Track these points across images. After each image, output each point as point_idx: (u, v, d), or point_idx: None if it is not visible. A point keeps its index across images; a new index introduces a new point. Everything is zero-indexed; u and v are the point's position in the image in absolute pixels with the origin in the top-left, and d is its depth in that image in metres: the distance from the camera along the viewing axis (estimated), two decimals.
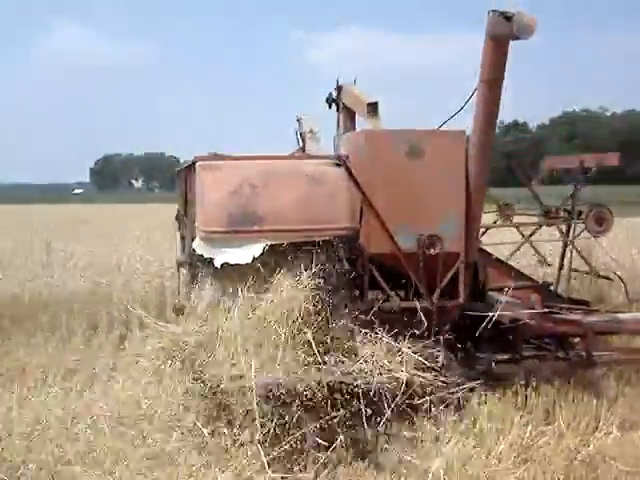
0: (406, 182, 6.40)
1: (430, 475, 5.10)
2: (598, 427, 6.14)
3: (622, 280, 8.05)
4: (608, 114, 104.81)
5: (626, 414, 6.50)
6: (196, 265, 6.07)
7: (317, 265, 5.75)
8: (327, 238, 5.89)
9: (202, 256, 5.66)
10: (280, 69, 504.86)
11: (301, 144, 8.23)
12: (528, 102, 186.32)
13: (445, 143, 6.78)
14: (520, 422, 5.95)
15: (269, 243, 5.69)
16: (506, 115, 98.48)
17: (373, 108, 7.78)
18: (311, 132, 8.22)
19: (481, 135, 6.73)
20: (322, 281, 5.71)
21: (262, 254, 5.64)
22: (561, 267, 8.33)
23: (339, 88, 8.44)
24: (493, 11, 6.29)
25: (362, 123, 7.94)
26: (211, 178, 5.85)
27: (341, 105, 8.40)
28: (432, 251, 6.41)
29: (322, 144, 8.33)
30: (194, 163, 6.12)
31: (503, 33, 6.19)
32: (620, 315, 7.48)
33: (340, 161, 6.26)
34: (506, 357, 7.03)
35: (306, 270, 5.70)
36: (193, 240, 6.05)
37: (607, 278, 8.25)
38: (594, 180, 8.22)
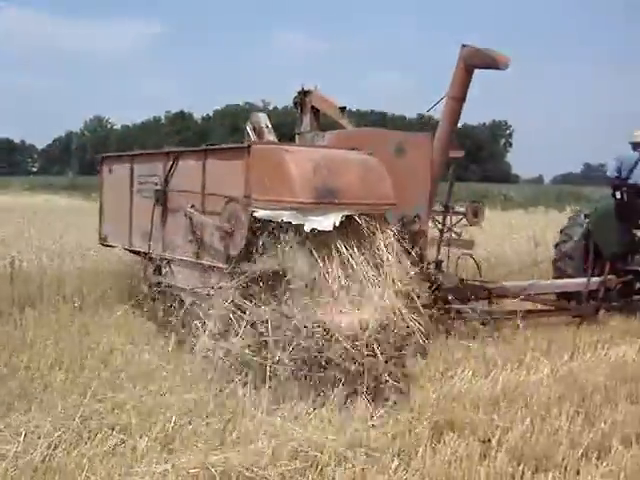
0: (393, 174, 7.22)
1: None
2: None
3: (475, 261, 9.81)
4: (270, 107, 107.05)
5: None
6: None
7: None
8: (382, 211, 7.07)
9: (289, 223, 6.43)
10: None
11: (254, 138, 8.76)
12: (193, 93, 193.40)
13: (419, 143, 8.69)
14: None
15: (346, 213, 6.62)
16: (172, 105, 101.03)
17: (343, 111, 9.73)
18: (267, 127, 8.90)
19: (445, 139, 8.85)
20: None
21: (341, 222, 6.51)
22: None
23: (305, 92, 9.85)
24: (465, 45, 8.56)
25: None
26: (292, 159, 6.74)
27: (309, 107, 9.73)
28: (414, 228, 8.12)
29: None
30: (249, 146, 7.10)
31: (482, 64, 8.52)
32: (505, 284, 9.79)
33: (369, 153, 7.37)
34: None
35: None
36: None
37: (472, 258, 9.83)
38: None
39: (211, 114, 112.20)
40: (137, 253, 9.48)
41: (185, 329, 7.31)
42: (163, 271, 8.46)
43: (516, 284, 9.93)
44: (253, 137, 8.82)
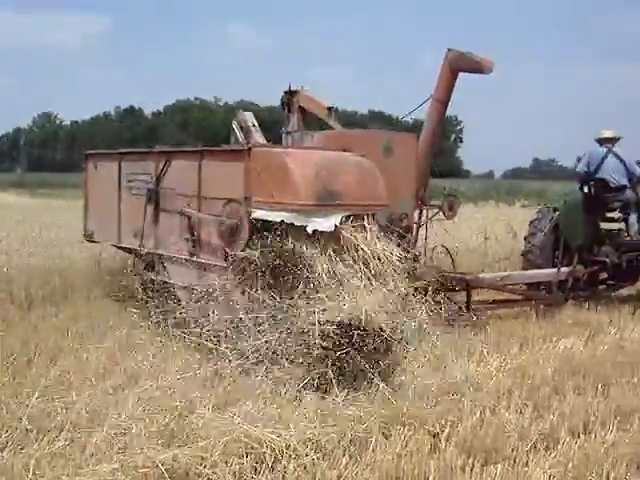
0: (382, 173, 7.53)
1: None
2: None
3: (450, 252, 10.06)
4: (221, 104, 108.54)
5: None
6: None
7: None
8: (376, 211, 7.45)
9: (292, 224, 6.72)
10: None
11: (241, 136, 9.20)
12: (144, 88, 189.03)
13: (405, 143, 9.07)
14: None
15: (345, 214, 6.94)
16: (122, 100, 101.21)
17: (330, 111, 9.96)
18: (254, 126, 9.28)
19: (429, 139, 9.51)
20: None
21: (341, 223, 6.85)
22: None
23: (292, 92, 10.14)
24: (450, 49, 9.08)
25: None
26: (294, 162, 7.03)
27: (296, 107, 10.05)
28: (402, 225, 8.51)
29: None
30: (250, 149, 7.35)
31: (467, 68, 9.12)
32: (480, 275, 9.91)
33: (362, 155, 7.68)
34: None
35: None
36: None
37: (449, 252, 10.12)
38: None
39: (162, 109, 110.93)
40: (126, 250, 9.56)
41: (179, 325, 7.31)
42: (156, 268, 8.59)
43: (492, 275, 10.25)
44: (240, 135, 9.22)
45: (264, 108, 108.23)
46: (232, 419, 5.10)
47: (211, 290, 7.01)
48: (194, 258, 7.83)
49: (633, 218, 11.38)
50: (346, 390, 5.85)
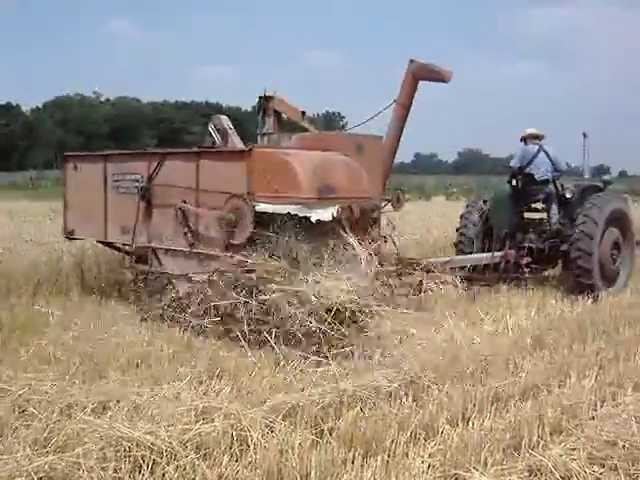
0: None
1: None
2: None
3: (394, 242, 10.47)
4: (102, 99, 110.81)
5: None
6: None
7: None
8: (365, 203, 8.80)
9: (296, 215, 7.81)
10: None
11: (219, 139, 10.06)
12: (21, 84, 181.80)
13: (373, 144, 9.95)
14: None
15: (341, 206, 8.11)
16: None
17: (304, 115, 11.00)
18: (231, 129, 10.10)
19: (394, 139, 10.61)
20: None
21: (338, 213, 8.00)
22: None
23: (267, 97, 10.81)
24: (412, 60, 10.30)
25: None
26: (296, 161, 8.18)
27: (271, 111, 10.76)
28: (373, 215, 9.45)
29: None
30: (251, 149, 8.41)
31: (428, 77, 10.31)
32: (432, 259, 10.62)
33: (346, 154, 9.05)
34: None
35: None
36: None
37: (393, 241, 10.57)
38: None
39: (40, 106, 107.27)
40: (110, 245, 10.49)
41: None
42: (149, 260, 9.28)
43: (439, 260, 10.88)
44: (217, 138, 10.05)
45: (146, 104, 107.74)
46: (111, 422, 4.97)
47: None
48: (193, 249, 8.67)
49: (554, 209, 12.45)
50: (230, 384, 5.85)
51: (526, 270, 12.17)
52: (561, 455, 4.86)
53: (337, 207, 8.01)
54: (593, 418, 5.75)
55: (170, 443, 4.68)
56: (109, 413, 5.29)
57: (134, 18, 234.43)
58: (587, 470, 4.67)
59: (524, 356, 7.42)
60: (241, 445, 4.89)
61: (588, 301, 10.46)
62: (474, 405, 5.86)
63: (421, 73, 10.34)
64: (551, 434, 5.37)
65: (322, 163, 8.43)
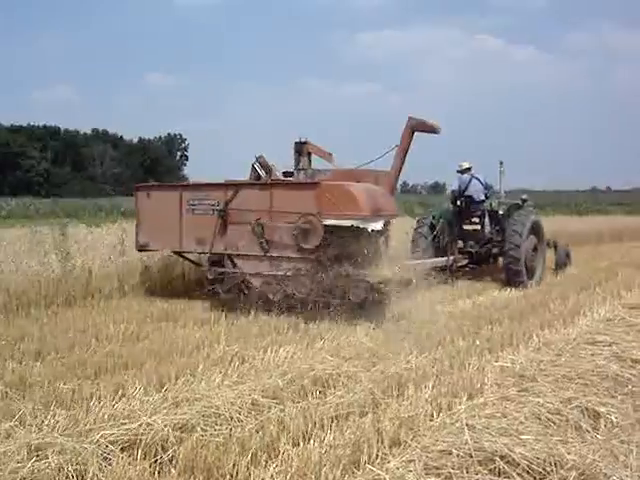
0: None
1: None
2: None
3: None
4: None
5: None
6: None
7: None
8: (395, 218, 12.48)
9: (358, 227, 10.61)
10: None
11: (264, 174, 12.31)
12: None
13: (385, 177, 12.50)
14: None
15: (386, 220, 11.40)
16: None
17: (330, 155, 13.30)
18: (273, 165, 12.50)
19: (396, 172, 12.61)
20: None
21: (384, 225, 11.09)
22: None
23: (303, 143, 12.90)
24: (411, 117, 12.45)
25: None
26: (355, 189, 10.86)
27: (306, 152, 12.89)
28: (389, 229, 12.64)
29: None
30: (319, 182, 11.27)
31: (423, 130, 12.51)
32: (412, 262, 13.13)
33: (375, 183, 11.98)
34: None
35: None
36: None
37: None
38: None
39: None
40: (182, 254, 13.11)
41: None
42: (225, 263, 11.91)
43: (414, 262, 13.09)
44: (261, 173, 12.32)
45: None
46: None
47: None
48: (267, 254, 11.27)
49: (487, 222, 16.56)
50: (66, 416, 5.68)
51: (470, 268, 16.78)
52: (398, 468, 4.92)
53: (383, 221, 10.98)
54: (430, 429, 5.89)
55: None
56: None
57: None
58: None
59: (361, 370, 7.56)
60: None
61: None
62: (314, 423, 5.91)
63: (418, 127, 12.55)
64: (390, 447, 5.48)
65: (370, 191, 11.16)
